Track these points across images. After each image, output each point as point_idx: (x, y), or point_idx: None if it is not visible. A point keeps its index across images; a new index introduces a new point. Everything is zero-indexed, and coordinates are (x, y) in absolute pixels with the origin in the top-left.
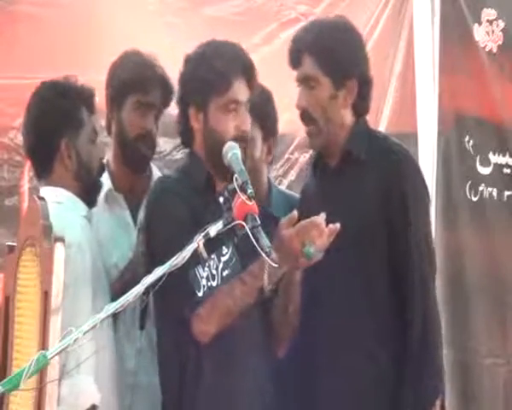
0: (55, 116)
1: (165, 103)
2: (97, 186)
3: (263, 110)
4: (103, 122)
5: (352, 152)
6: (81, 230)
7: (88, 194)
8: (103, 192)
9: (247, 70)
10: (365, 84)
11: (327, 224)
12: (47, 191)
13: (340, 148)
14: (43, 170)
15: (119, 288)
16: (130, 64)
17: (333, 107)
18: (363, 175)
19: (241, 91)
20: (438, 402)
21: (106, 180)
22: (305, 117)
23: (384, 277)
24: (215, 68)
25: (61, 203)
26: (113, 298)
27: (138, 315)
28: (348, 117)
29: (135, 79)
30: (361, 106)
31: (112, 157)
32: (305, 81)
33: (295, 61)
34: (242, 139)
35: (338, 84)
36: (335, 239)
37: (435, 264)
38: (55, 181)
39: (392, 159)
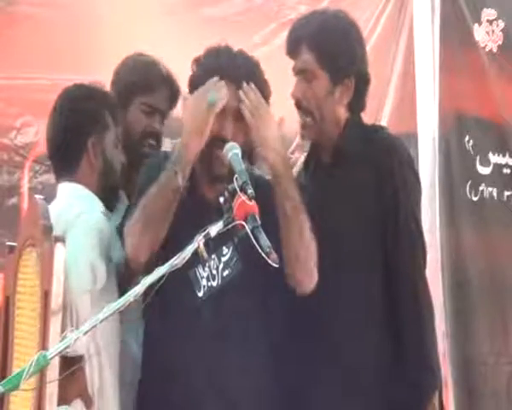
0: (82, 115)
1: (172, 105)
2: (117, 191)
3: None
4: None
5: (344, 148)
6: (100, 215)
7: (107, 197)
8: None
9: (232, 74)
10: (363, 82)
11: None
12: (66, 186)
13: (333, 144)
14: (68, 169)
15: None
16: (135, 65)
17: (328, 103)
18: (355, 171)
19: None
20: (435, 397)
21: None
22: (301, 107)
23: (379, 275)
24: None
25: (79, 196)
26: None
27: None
28: (343, 114)
29: (141, 81)
30: (357, 104)
31: None
32: (302, 73)
33: (293, 51)
34: (216, 139)
35: (335, 80)
36: (329, 237)
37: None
38: (79, 180)
39: (382, 153)
